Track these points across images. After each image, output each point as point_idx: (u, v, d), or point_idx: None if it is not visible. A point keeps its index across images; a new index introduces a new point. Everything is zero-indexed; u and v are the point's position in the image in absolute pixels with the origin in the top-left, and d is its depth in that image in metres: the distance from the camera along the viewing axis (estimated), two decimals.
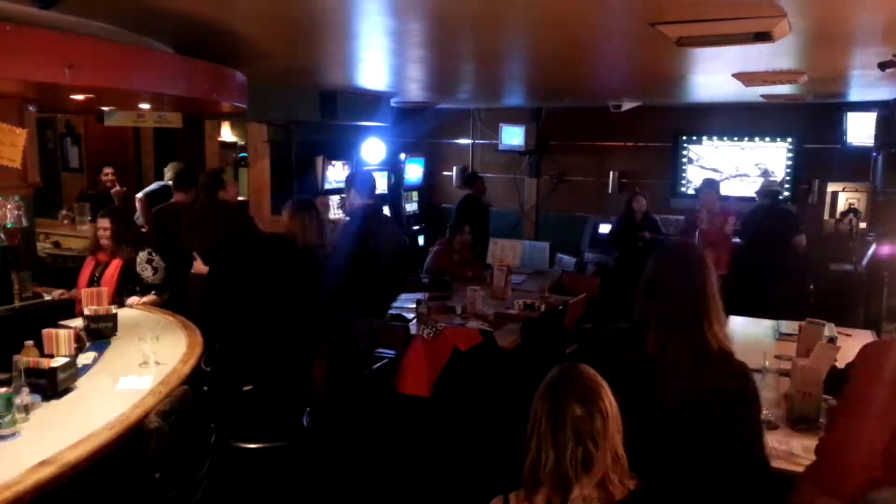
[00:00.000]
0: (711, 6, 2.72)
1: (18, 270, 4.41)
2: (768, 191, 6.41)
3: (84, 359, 3.17)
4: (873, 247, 5.94)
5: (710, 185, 6.42)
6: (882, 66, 3.77)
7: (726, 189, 7.67)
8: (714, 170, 7.96)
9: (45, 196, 6.62)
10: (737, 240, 6.37)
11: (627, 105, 7.31)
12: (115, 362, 3.21)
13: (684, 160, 8.18)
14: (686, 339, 1.96)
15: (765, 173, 7.75)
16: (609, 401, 1.65)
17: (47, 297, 4.45)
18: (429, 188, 9.56)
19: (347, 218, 4.90)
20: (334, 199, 7.82)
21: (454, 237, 6.24)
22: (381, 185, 8.66)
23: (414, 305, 4.73)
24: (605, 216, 8.06)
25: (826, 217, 6.92)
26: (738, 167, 7.94)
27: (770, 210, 6.16)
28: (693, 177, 8.07)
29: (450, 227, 6.37)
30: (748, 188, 7.79)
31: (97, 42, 3.03)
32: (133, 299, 4.20)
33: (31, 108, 3.46)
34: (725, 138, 7.93)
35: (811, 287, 5.51)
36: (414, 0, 2.94)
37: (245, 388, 3.89)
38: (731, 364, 1.97)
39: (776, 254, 5.84)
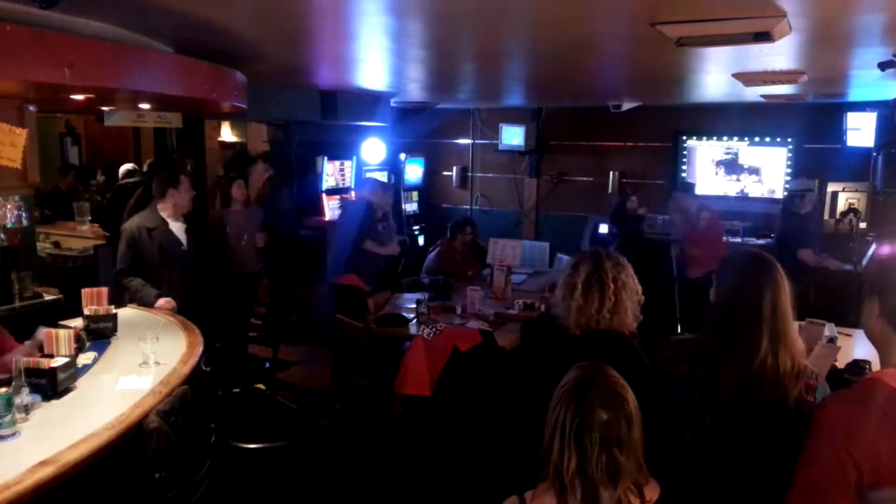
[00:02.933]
0: (711, 6, 2.72)
1: (18, 270, 4.40)
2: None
3: (84, 359, 3.16)
4: (873, 247, 5.93)
5: (678, 200, 6.35)
6: (882, 66, 3.77)
7: (728, 189, 7.79)
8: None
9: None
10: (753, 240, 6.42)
11: (627, 105, 7.30)
12: (115, 362, 3.21)
13: (684, 160, 8.18)
14: (749, 352, 1.84)
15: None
16: (633, 404, 1.60)
17: None
18: (429, 188, 9.56)
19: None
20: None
21: (455, 237, 6.24)
22: None
23: (414, 305, 4.74)
24: (604, 216, 8.05)
25: (826, 217, 6.91)
26: (737, 167, 7.95)
27: (783, 213, 6.18)
28: (693, 176, 8.08)
29: (451, 228, 6.37)
30: (747, 188, 7.85)
31: (97, 42, 3.03)
32: None
33: (31, 108, 3.46)
34: (725, 138, 7.93)
35: (811, 287, 5.51)
36: (414, 0, 2.94)
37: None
38: (800, 381, 1.82)
39: (781, 255, 5.83)
